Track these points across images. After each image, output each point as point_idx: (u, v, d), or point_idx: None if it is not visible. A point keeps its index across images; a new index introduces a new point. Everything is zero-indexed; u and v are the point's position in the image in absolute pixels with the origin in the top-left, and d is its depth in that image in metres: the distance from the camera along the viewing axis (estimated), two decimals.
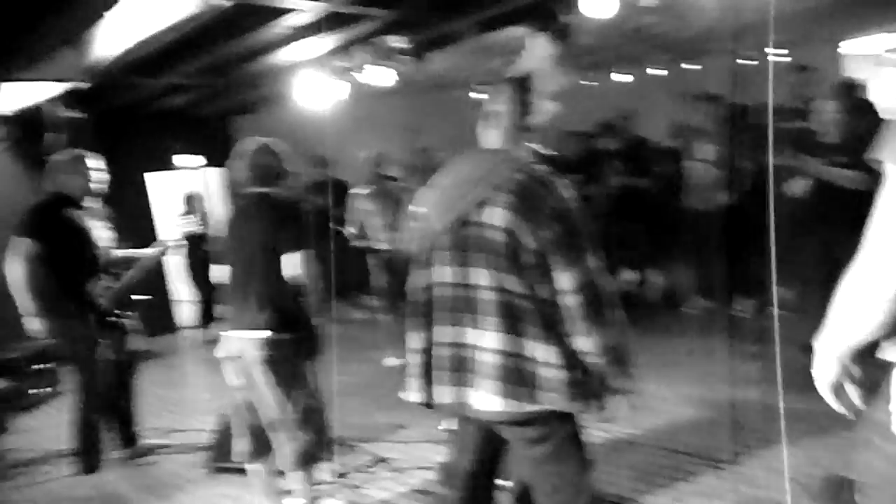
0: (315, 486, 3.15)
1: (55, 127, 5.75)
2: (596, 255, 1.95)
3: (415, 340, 2.16)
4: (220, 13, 4.27)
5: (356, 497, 3.41)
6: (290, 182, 3.27)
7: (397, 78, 6.12)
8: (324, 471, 3.64)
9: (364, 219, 5.72)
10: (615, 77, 9.54)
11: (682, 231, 6.21)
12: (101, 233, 3.91)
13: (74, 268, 3.76)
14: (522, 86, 2.11)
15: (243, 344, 2.95)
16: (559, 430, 2.00)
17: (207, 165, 8.67)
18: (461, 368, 2.02)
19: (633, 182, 6.23)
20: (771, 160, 3.21)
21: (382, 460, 3.81)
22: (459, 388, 2.03)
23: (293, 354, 2.97)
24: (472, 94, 2.20)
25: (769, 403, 3.85)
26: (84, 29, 4.45)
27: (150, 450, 4.31)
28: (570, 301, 1.90)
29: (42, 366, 6.03)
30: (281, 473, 3.46)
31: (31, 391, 5.91)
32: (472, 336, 2.00)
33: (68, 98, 5.68)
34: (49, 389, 6.11)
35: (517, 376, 1.92)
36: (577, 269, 1.89)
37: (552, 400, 1.92)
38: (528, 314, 1.93)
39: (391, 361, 5.63)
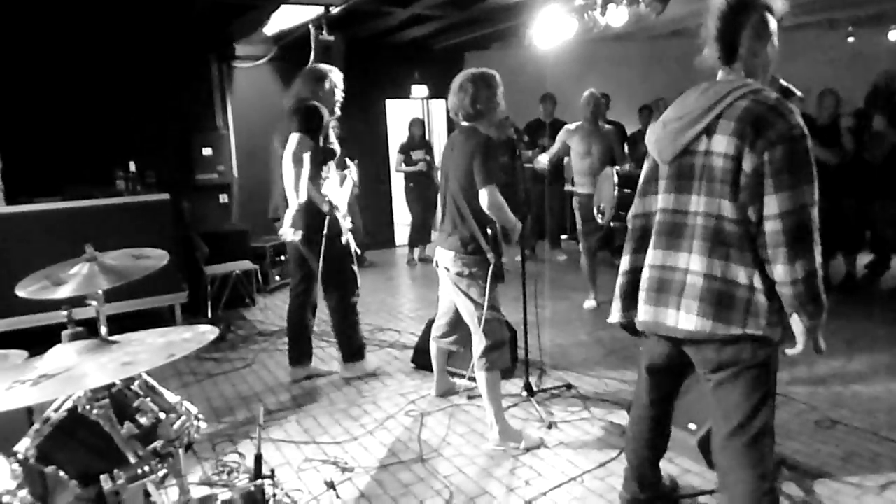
0: (501, 394, 3.39)
1: (314, 48, 6.36)
2: (814, 190, 1.89)
3: (624, 263, 2.28)
4: None
5: (542, 413, 3.60)
6: (498, 117, 3.36)
7: (635, 20, 5.92)
8: (514, 385, 3.91)
9: (572, 161, 5.66)
10: (892, 34, 8.39)
11: None
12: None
13: (318, 168, 3.96)
14: (738, 4, 2.02)
15: (443, 260, 3.36)
16: (748, 356, 2.00)
17: (435, 97, 9.15)
18: (665, 289, 2.10)
19: None
20: None
21: (570, 387, 3.95)
22: (658, 308, 2.12)
23: (476, 274, 3.25)
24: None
25: None
26: None
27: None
28: (772, 226, 1.89)
29: (284, 257, 6.97)
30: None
31: (275, 276, 6.88)
32: (681, 259, 2.07)
33: (323, 22, 6.22)
34: (289, 280, 7.07)
35: (720, 298, 1.97)
36: (786, 194, 1.87)
37: (752, 324, 1.94)
38: (738, 239, 1.96)
39: (590, 304, 5.71)
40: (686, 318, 2.03)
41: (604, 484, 2.93)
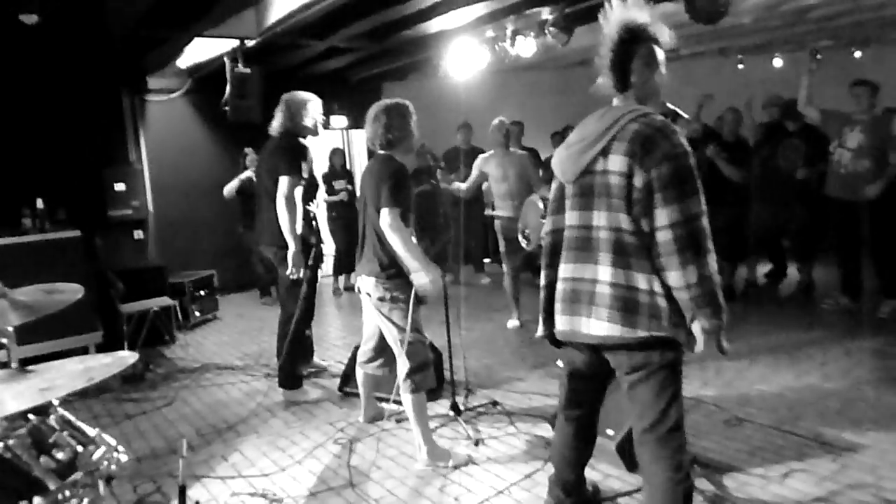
0: (429, 415, 3.45)
1: (229, 81, 6.32)
2: (700, 201, 2.08)
3: (542, 279, 2.42)
4: None
5: (469, 431, 3.67)
6: (414, 145, 3.47)
7: (544, 50, 6.21)
8: (441, 405, 3.96)
9: (490, 186, 5.82)
10: (775, 61, 9.08)
11: (827, 222, 5.90)
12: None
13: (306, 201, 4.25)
14: (629, 36, 2.21)
15: (364, 286, 3.43)
16: (657, 359, 2.17)
17: (355, 127, 9.22)
18: (577, 300, 2.25)
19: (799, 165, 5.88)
20: None
21: (496, 404, 4.04)
22: (572, 317, 2.26)
23: (398, 298, 3.32)
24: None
25: None
26: None
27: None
28: (663, 236, 2.07)
29: (204, 292, 6.81)
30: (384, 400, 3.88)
31: (195, 312, 6.70)
32: (590, 271, 2.22)
33: (239, 55, 6.20)
34: (210, 315, 6.91)
35: (626, 305, 2.13)
36: (674, 207, 2.05)
37: (656, 326, 2.10)
38: (636, 249, 2.13)
39: (512, 323, 5.86)
40: (598, 325, 2.18)
41: (531, 494, 3.02)
